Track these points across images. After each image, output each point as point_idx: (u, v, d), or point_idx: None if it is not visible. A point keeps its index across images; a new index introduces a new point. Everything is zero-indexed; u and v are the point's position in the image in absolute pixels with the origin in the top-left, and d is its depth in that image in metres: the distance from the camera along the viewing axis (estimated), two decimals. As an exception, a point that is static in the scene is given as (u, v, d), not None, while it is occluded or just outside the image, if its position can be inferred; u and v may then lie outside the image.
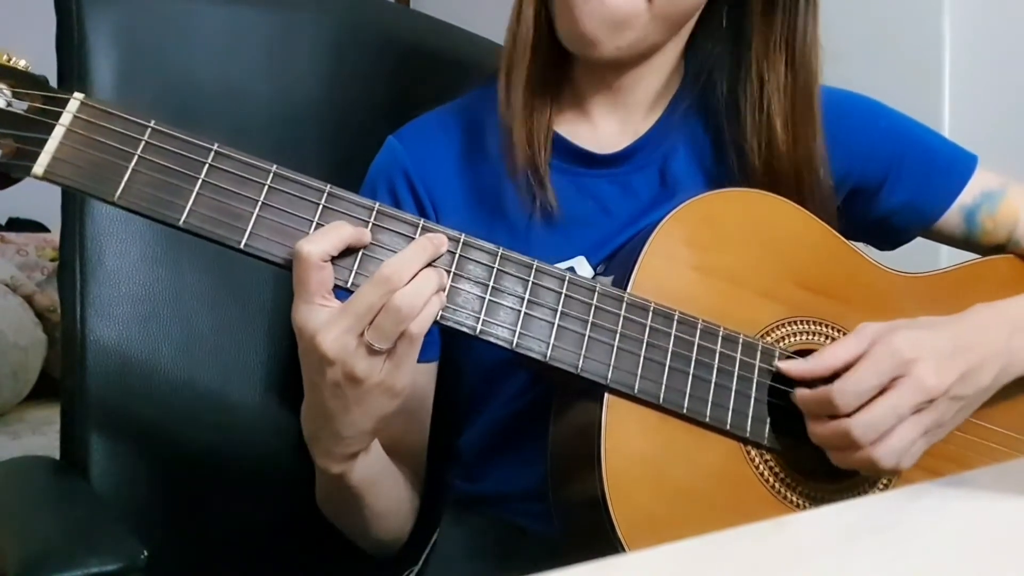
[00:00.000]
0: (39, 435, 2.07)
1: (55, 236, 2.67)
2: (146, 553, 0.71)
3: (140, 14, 0.95)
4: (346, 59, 1.05)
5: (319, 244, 0.66)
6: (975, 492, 0.59)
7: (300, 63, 1.03)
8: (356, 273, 0.67)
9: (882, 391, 0.74)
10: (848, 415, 0.73)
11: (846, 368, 0.75)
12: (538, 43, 0.83)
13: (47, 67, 0.72)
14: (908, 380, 0.74)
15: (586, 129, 0.89)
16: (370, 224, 0.68)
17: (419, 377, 0.87)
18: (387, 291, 0.65)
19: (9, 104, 0.64)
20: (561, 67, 0.87)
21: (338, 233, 0.67)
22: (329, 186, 0.68)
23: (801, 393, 0.76)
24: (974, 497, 0.57)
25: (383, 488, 0.84)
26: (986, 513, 0.53)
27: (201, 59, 0.98)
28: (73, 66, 0.90)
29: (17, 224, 2.89)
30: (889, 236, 0.97)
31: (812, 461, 0.78)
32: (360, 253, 0.68)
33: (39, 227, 2.88)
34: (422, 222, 0.70)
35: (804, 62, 0.86)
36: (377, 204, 0.69)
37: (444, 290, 0.69)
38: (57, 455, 0.93)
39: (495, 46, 1.16)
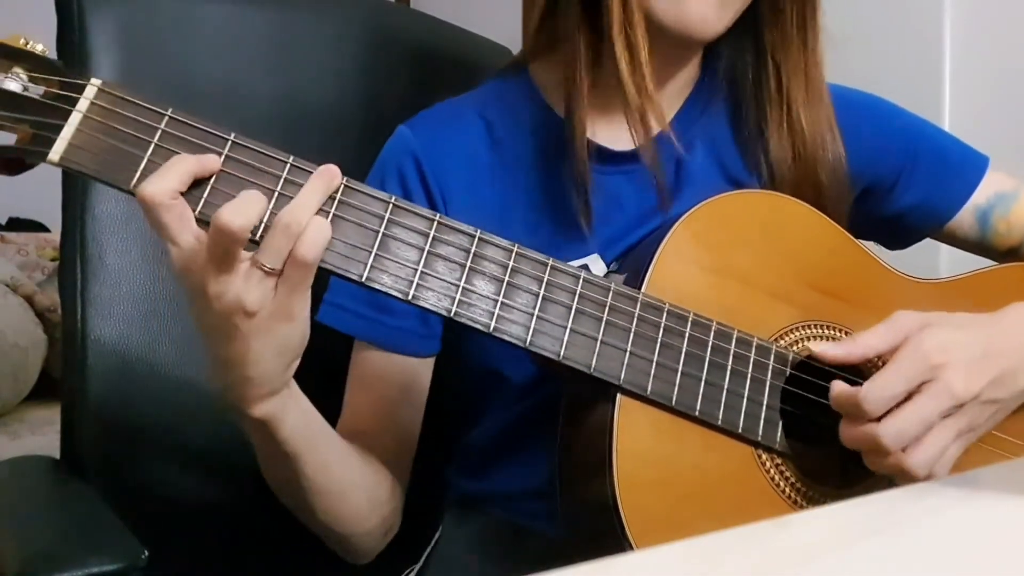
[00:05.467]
0: (39, 435, 2.08)
1: (55, 236, 2.67)
2: (146, 553, 0.71)
3: (141, 13, 0.95)
4: (346, 59, 1.05)
5: (160, 182, 0.62)
6: (976, 492, 0.59)
7: (301, 63, 1.03)
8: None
9: (910, 395, 0.72)
10: (877, 419, 0.72)
11: (878, 357, 0.74)
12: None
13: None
14: (936, 385, 0.72)
15: (604, 125, 0.88)
16: (385, 218, 0.67)
17: (417, 369, 0.87)
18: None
19: (25, 89, 0.62)
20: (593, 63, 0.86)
21: (180, 166, 0.63)
22: (345, 178, 0.67)
23: (834, 391, 0.74)
24: (975, 497, 0.57)
25: (325, 456, 0.77)
26: (987, 513, 0.53)
27: (202, 59, 0.98)
28: (74, 66, 0.90)
29: (17, 224, 2.89)
30: (900, 235, 0.97)
31: (824, 466, 0.78)
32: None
33: (39, 227, 2.88)
34: (438, 217, 0.69)
35: (814, 44, 0.86)
36: (393, 197, 0.68)
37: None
38: (57, 455, 0.93)
39: (495, 46, 1.17)
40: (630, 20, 0.79)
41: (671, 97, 0.89)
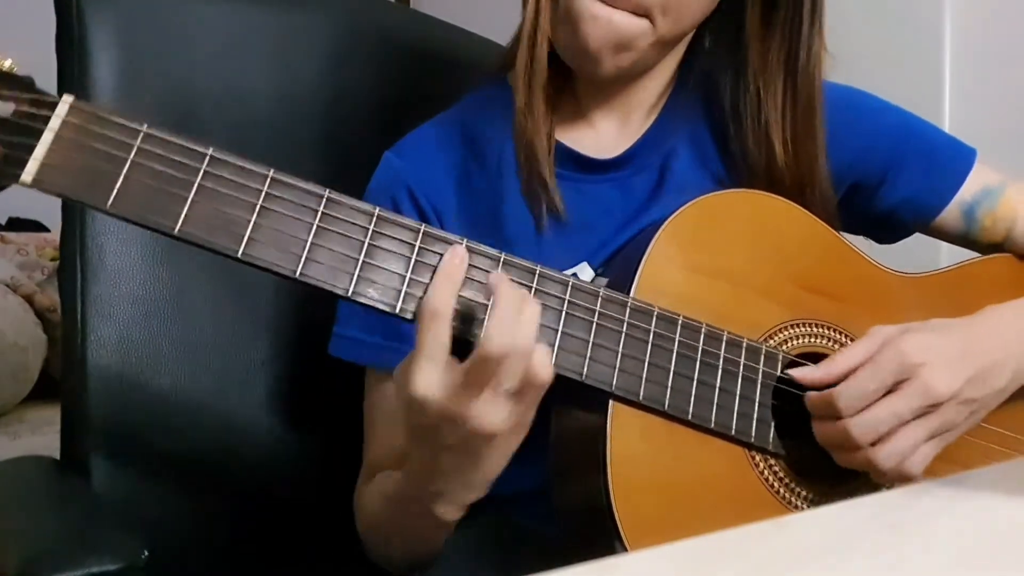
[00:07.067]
0: (39, 435, 2.07)
1: (55, 236, 2.67)
2: (146, 553, 0.71)
3: (140, 14, 0.95)
4: (346, 59, 1.05)
5: (444, 292, 0.64)
6: (975, 492, 0.59)
7: (301, 63, 1.03)
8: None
9: (887, 394, 0.73)
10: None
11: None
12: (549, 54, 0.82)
13: (47, 68, 0.70)
14: (912, 384, 0.73)
15: (585, 134, 0.88)
16: (370, 231, 0.66)
17: None
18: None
19: None
20: (561, 74, 0.86)
21: (455, 277, 0.65)
22: (328, 191, 0.66)
23: (810, 396, 0.76)
24: (974, 497, 0.57)
25: None
26: (986, 513, 0.53)
27: (202, 59, 0.98)
28: (73, 67, 0.90)
29: (17, 224, 2.89)
30: (889, 231, 0.97)
31: (816, 466, 0.78)
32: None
33: (39, 227, 2.88)
34: (423, 227, 0.68)
35: (805, 82, 0.85)
36: (377, 209, 0.67)
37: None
38: (57, 455, 0.93)
39: (495, 46, 1.16)
40: (541, 53, 0.80)
41: (643, 105, 0.89)
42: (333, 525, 0.91)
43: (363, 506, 0.85)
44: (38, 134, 0.60)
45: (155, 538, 0.74)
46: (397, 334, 0.81)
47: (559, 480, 0.78)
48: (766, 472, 0.76)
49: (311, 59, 1.03)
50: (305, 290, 1.00)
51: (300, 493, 0.99)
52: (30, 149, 0.60)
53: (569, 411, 0.77)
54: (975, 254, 0.96)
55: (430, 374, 0.63)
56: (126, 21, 0.94)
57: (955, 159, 0.94)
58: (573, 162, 0.86)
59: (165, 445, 0.94)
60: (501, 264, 0.69)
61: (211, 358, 0.95)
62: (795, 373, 0.77)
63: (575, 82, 0.88)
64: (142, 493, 0.92)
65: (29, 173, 0.60)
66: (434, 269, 0.67)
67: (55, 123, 0.60)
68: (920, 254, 1.00)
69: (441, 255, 0.67)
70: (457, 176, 0.87)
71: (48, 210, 2.19)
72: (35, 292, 2.41)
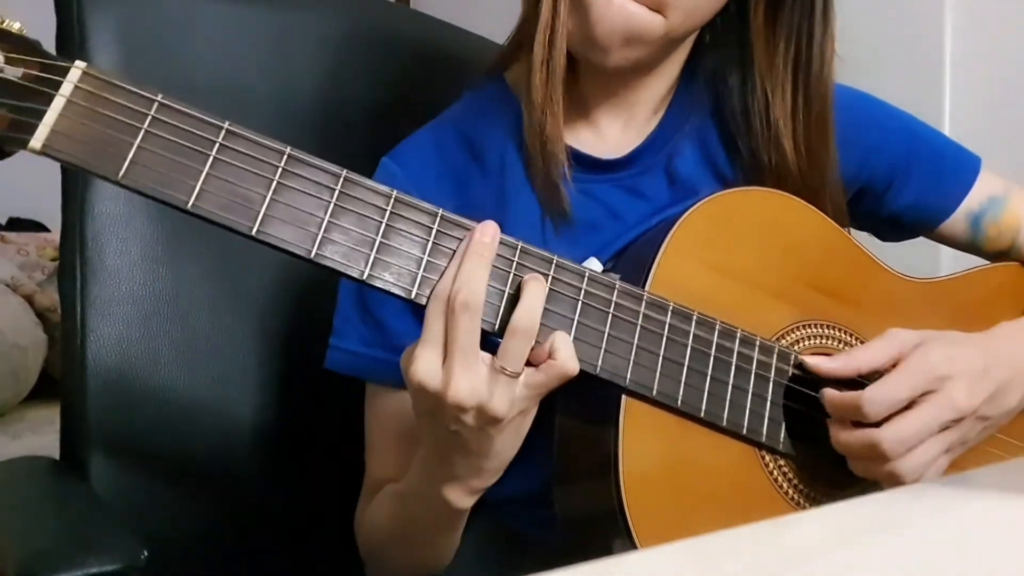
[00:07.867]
0: (39, 435, 2.07)
1: (55, 236, 2.67)
2: (146, 553, 0.71)
3: (141, 13, 0.95)
4: (346, 59, 1.05)
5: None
6: (975, 492, 0.59)
7: (300, 63, 1.03)
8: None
9: (910, 404, 0.73)
10: (875, 425, 0.72)
11: (873, 373, 0.74)
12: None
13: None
14: (940, 397, 0.73)
15: (590, 134, 0.87)
16: (387, 212, 0.65)
17: None
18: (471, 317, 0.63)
19: (1, 70, 0.58)
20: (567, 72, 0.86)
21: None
22: (345, 171, 0.65)
23: (830, 395, 0.75)
24: (974, 497, 0.57)
25: None
26: (986, 513, 0.53)
27: (201, 58, 0.98)
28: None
29: (17, 224, 2.89)
30: (894, 232, 0.98)
31: (825, 468, 0.77)
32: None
33: (39, 227, 2.88)
34: (441, 211, 0.67)
35: (819, 89, 0.84)
36: (395, 192, 0.66)
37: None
38: (57, 455, 0.93)
39: (495, 46, 1.16)
40: (552, 41, 0.77)
41: (648, 104, 0.88)
42: (332, 525, 0.91)
43: (366, 523, 0.84)
44: (49, 99, 0.58)
45: (154, 538, 0.74)
46: (394, 346, 0.80)
47: (563, 482, 0.77)
48: (775, 473, 0.76)
49: (311, 59, 1.03)
50: (304, 289, 1.00)
51: (299, 493, 0.99)
52: (40, 114, 0.58)
53: (577, 411, 0.76)
54: (980, 261, 0.96)
55: (430, 361, 0.63)
56: (126, 22, 0.94)
57: (961, 167, 0.95)
58: (578, 162, 0.85)
59: (164, 445, 0.94)
60: (519, 252, 0.68)
61: (210, 358, 0.95)
62: (810, 361, 0.76)
63: (579, 80, 0.87)
64: (142, 493, 0.92)
65: (38, 139, 0.58)
66: (451, 254, 0.66)
67: (67, 89, 0.59)
68: (921, 256, 1.00)
69: (459, 240, 0.67)
70: (457, 180, 0.86)
71: (48, 210, 2.19)
72: (35, 292, 2.41)
